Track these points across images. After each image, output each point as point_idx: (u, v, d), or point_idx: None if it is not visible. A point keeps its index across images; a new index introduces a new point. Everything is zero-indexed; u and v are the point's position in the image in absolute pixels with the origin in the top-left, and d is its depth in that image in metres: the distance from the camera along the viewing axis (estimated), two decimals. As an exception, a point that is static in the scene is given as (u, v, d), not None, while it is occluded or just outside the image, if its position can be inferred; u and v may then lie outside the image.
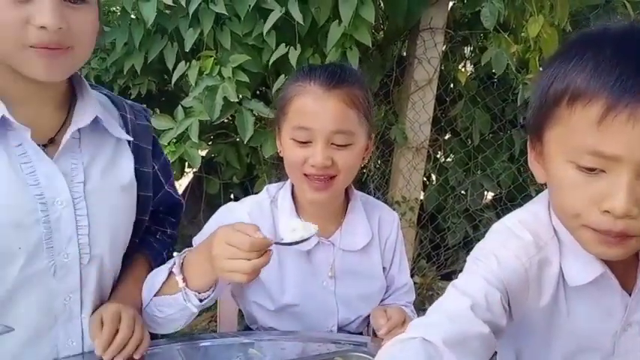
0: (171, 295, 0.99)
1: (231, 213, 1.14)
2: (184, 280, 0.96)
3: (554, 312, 0.85)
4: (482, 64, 2.25)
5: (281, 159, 2.49)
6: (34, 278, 0.91)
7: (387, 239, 1.23)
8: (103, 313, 0.97)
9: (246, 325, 1.24)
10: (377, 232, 1.21)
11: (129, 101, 1.11)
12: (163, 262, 1.20)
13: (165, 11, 2.00)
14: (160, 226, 1.21)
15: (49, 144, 0.94)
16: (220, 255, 0.87)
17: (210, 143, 2.49)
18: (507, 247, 0.83)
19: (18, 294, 0.91)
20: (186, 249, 1.04)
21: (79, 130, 0.95)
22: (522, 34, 2.44)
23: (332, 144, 1.04)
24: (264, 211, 1.15)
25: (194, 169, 2.73)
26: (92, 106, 0.98)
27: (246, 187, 2.80)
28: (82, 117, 0.95)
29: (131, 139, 1.04)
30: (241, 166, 2.54)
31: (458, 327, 0.75)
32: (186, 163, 2.20)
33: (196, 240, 1.12)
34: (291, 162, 1.08)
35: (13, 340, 0.92)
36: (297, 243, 0.94)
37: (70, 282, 0.95)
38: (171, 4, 1.92)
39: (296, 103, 1.07)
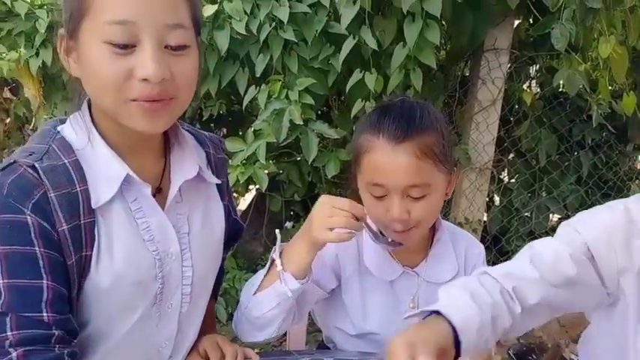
0: (270, 286, 1.02)
1: None
2: (282, 264, 1.02)
3: None
4: (554, 85, 2.21)
5: (342, 177, 2.51)
6: (141, 329, 0.91)
7: (471, 271, 1.18)
8: (200, 348, 1.02)
9: (319, 344, 1.27)
10: (463, 265, 1.20)
11: (207, 133, 1.08)
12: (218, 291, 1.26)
13: (237, 38, 2.10)
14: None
15: (156, 194, 0.90)
16: (322, 214, 0.97)
17: (273, 162, 2.58)
18: (596, 215, 0.93)
19: (122, 343, 0.90)
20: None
21: None
22: (591, 53, 2.39)
23: (408, 196, 1.03)
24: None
25: (257, 187, 2.83)
26: (192, 155, 0.95)
27: (307, 205, 2.87)
28: (186, 167, 0.93)
29: (219, 181, 1.02)
30: (303, 184, 2.61)
31: (512, 269, 0.92)
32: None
33: None
34: (372, 216, 1.08)
35: None
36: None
37: (169, 330, 0.95)
38: (244, 32, 2.01)
39: (367, 158, 1.05)
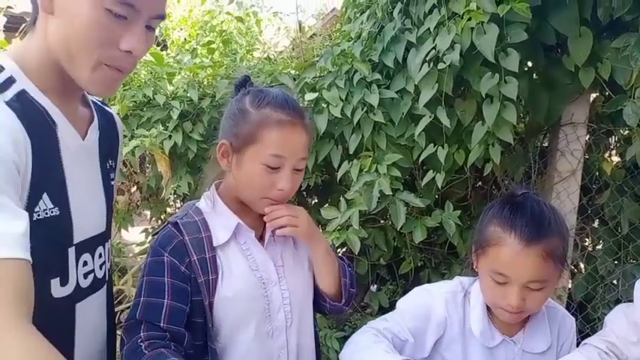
0: None
1: (429, 296, 1.31)
2: None
3: None
4: (627, 158, 2.30)
5: (427, 243, 2.64)
6: (260, 340, 1.23)
7: (563, 343, 1.32)
8: None
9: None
10: (556, 339, 1.31)
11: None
12: None
13: (333, 120, 2.42)
14: None
15: (260, 240, 1.29)
16: None
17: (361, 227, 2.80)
18: None
19: (250, 354, 1.22)
20: None
21: None
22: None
23: (527, 287, 1.15)
24: (457, 304, 1.29)
25: (344, 249, 3.04)
26: None
27: (392, 269, 3.04)
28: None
29: None
30: (388, 248, 2.79)
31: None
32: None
33: (400, 305, 1.32)
34: (489, 298, 1.23)
35: None
36: None
37: (280, 341, 1.26)
38: (339, 115, 2.33)
39: (496, 251, 1.17)
